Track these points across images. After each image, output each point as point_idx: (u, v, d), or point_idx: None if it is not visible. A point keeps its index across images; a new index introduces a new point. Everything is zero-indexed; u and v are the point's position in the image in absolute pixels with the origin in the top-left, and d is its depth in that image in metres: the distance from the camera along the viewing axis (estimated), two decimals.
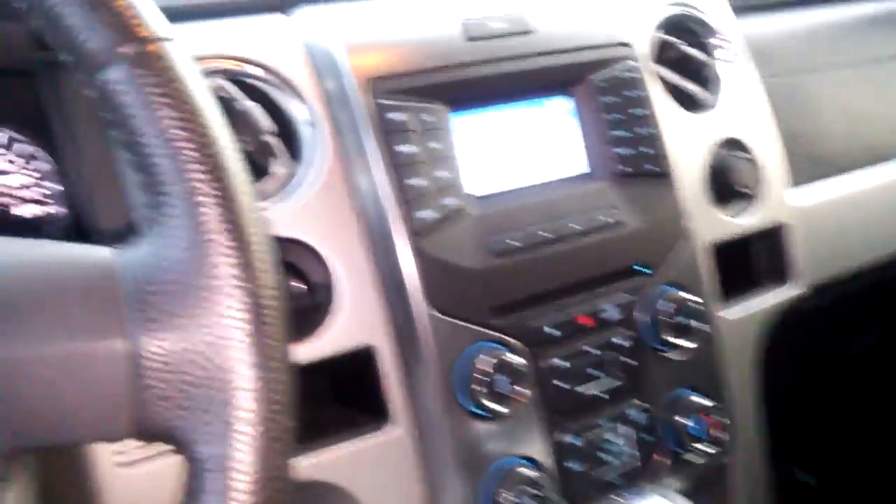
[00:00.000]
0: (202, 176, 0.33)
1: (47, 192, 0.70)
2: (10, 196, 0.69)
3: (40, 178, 0.70)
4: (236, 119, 0.67)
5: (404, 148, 0.67)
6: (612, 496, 0.72)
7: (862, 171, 0.97)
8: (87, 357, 0.31)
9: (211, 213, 0.33)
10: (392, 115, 0.67)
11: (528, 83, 0.74)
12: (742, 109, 0.88)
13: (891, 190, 0.98)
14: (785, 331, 0.88)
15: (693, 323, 0.75)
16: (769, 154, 0.87)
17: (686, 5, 0.89)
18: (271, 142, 0.67)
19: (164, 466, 0.57)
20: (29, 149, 0.71)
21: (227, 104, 0.66)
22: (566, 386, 0.71)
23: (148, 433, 0.33)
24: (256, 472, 0.32)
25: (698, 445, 0.76)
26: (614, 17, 0.81)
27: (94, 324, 0.32)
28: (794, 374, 1.03)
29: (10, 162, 0.70)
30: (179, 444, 0.33)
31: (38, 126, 0.71)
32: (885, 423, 1.11)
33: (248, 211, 0.34)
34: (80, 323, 0.32)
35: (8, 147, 0.71)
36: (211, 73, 0.67)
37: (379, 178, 0.66)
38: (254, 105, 0.67)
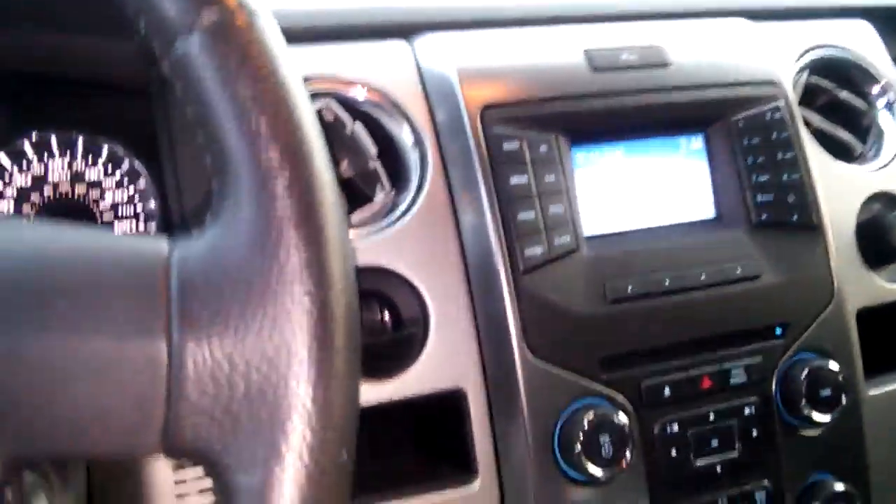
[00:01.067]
0: (278, 164, 0.29)
1: (145, 211, 0.70)
2: (110, 211, 0.69)
3: (140, 196, 0.70)
4: (342, 143, 0.65)
5: (517, 180, 0.62)
6: None
7: None
8: (117, 356, 0.27)
9: (284, 206, 0.29)
10: (506, 145, 0.63)
11: (659, 119, 0.68)
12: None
13: None
14: None
15: (836, 397, 0.65)
16: None
17: (838, 47, 0.81)
18: (376, 168, 0.65)
19: None
20: (132, 166, 0.72)
21: (333, 127, 0.64)
22: (679, 455, 0.63)
23: (178, 451, 0.28)
24: None
25: None
26: (759, 54, 0.73)
27: (132, 319, 0.28)
28: None
29: (113, 177, 0.71)
30: (213, 467, 0.28)
31: (145, 145, 0.72)
32: None
33: (328, 208, 0.30)
34: (115, 317, 0.28)
35: (114, 162, 0.72)
36: (319, 95, 0.65)
37: (487, 210, 0.62)
38: (361, 128, 0.64)
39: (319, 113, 0.65)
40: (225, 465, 0.28)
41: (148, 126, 0.73)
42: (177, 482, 0.54)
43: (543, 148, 0.64)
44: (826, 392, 0.65)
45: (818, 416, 0.65)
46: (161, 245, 0.30)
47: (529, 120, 0.64)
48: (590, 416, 0.59)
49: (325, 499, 0.28)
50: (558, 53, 0.68)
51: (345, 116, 0.65)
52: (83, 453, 0.29)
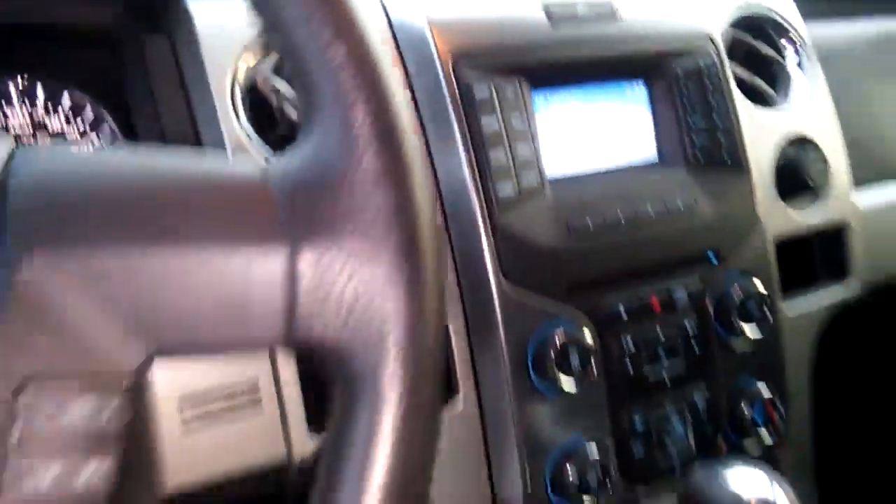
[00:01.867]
0: (360, 86, 0.33)
1: None
2: None
3: (104, 144, 0.71)
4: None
5: (488, 123, 0.68)
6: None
7: None
8: (245, 262, 0.31)
9: (367, 121, 0.32)
10: (477, 92, 0.68)
11: (607, 68, 0.75)
12: (810, 109, 0.88)
13: None
14: (840, 329, 0.88)
15: (761, 312, 0.75)
16: (835, 154, 0.88)
17: (758, 5, 0.90)
18: None
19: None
20: (96, 114, 0.73)
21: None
22: (634, 367, 0.71)
23: (298, 343, 0.33)
24: (409, 392, 0.32)
25: (759, 434, 0.76)
26: (695, 12, 0.81)
27: (254, 229, 0.32)
28: (846, 374, 1.03)
29: (75, 125, 0.72)
30: (329, 357, 0.33)
31: (110, 93, 0.73)
32: None
33: (404, 122, 0.34)
34: (238, 228, 0.32)
35: (76, 111, 0.73)
36: None
37: (461, 151, 0.67)
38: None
39: None
40: (343, 355, 0.32)
41: (111, 73, 0.74)
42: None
43: (510, 94, 0.69)
44: (753, 309, 0.75)
45: (747, 329, 0.75)
46: (256, 162, 0.34)
47: (496, 68, 0.70)
48: (560, 335, 0.66)
49: (424, 377, 0.33)
50: (519, 6, 0.73)
51: None
52: (218, 349, 0.33)
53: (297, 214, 0.32)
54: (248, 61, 0.65)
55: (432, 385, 0.34)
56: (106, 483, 0.30)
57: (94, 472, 0.30)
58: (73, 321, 0.30)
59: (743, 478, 0.58)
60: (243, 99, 0.64)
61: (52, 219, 0.30)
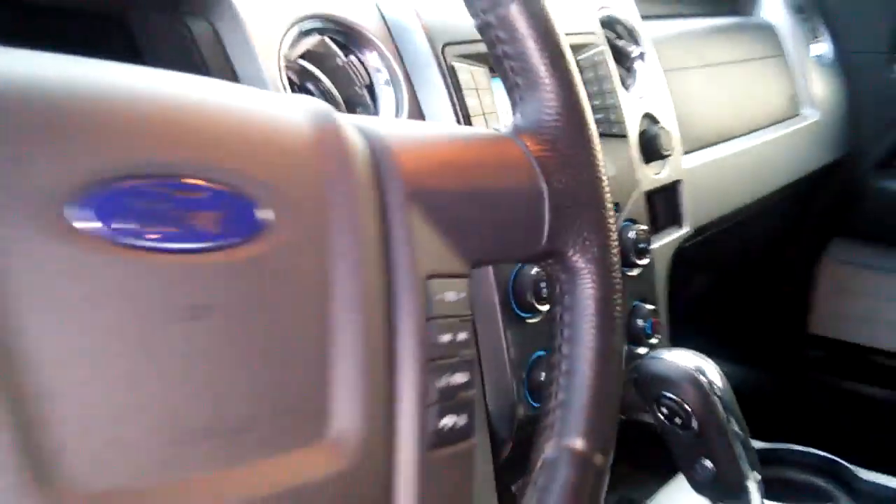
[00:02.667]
0: (558, 73, 0.49)
1: None
2: None
3: None
4: (335, 72, 0.78)
5: (471, 101, 0.83)
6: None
7: (723, 143, 1.30)
8: (521, 195, 0.47)
9: (573, 94, 0.50)
10: (461, 75, 0.83)
11: None
12: (653, 92, 1.14)
13: (743, 156, 1.32)
14: (678, 260, 1.17)
15: (646, 248, 1.00)
16: (671, 127, 1.15)
17: (610, 9, 1.14)
18: (364, 94, 0.80)
19: None
20: None
21: (327, 57, 0.78)
22: None
23: (550, 254, 0.48)
24: (614, 278, 0.49)
25: (649, 341, 1.01)
26: (585, 12, 1.03)
27: (523, 171, 0.47)
28: (686, 290, 1.34)
29: None
30: (561, 257, 0.49)
31: None
32: None
33: (584, 95, 0.52)
34: (514, 171, 0.47)
35: None
36: (312, 31, 0.77)
37: (452, 118, 0.82)
38: (351, 60, 0.79)
39: (316, 47, 0.78)
40: (571, 255, 0.48)
41: (120, 51, 0.77)
42: None
43: (483, 78, 0.85)
44: (642, 245, 0.99)
45: (639, 261, 0.99)
46: (506, 123, 0.50)
47: (470, 55, 0.85)
48: (532, 272, 0.85)
49: (614, 277, 0.50)
50: None
51: (337, 50, 0.78)
52: (507, 259, 0.48)
53: (547, 159, 0.48)
54: (285, 47, 0.74)
55: (618, 279, 0.51)
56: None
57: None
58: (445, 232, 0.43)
59: (679, 356, 0.81)
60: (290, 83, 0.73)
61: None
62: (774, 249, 1.85)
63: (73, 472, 0.29)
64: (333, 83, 0.78)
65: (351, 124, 0.43)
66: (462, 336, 0.43)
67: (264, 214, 0.36)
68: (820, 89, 1.64)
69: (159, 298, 0.32)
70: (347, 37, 0.80)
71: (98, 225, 0.31)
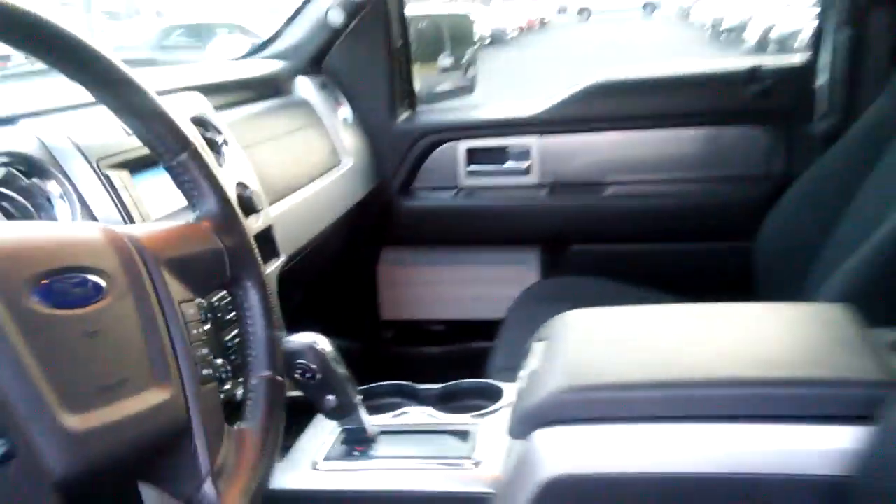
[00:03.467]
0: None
1: None
2: None
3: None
4: (24, 192, 1.08)
5: (125, 195, 1.19)
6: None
7: (295, 193, 1.80)
8: (214, 252, 0.89)
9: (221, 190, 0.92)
10: (115, 180, 1.18)
11: None
12: (240, 165, 1.59)
13: (310, 199, 1.84)
14: (286, 278, 1.63)
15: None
16: (257, 188, 1.61)
17: (195, 108, 1.55)
18: (48, 205, 1.10)
19: None
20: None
21: (15, 182, 1.07)
22: None
23: (232, 282, 0.90)
24: (267, 289, 0.92)
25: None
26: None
27: (210, 240, 0.89)
28: (296, 294, 1.80)
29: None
30: (239, 281, 0.91)
31: None
32: None
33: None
34: (207, 241, 0.88)
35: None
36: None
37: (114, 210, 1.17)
38: (33, 181, 1.09)
39: (6, 176, 1.06)
40: (244, 280, 0.91)
41: None
42: None
43: (128, 178, 1.21)
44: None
45: None
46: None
47: (117, 163, 1.20)
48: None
49: (267, 288, 0.95)
50: None
51: (20, 175, 1.08)
52: (212, 288, 0.88)
53: (217, 230, 0.90)
54: None
55: (268, 289, 0.94)
56: None
57: None
58: None
59: (302, 336, 1.27)
60: None
61: None
62: (348, 259, 2.44)
63: None
64: (25, 199, 1.07)
65: (118, 230, 0.80)
66: (201, 330, 0.83)
67: (103, 283, 0.73)
68: (349, 142, 2.25)
69: (77, 329, 0.68)
70: (26, 164, 1.10)
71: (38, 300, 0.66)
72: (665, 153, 2.26)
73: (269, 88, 2.09)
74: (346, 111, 2.34)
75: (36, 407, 0.64)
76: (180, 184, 0.91)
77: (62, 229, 0.81)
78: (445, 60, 3.23)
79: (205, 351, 0.83)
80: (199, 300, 0.85)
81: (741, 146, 2.19)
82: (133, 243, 0.80)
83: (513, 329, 1.86)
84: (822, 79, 2.08)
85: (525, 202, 2.34)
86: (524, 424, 0.94)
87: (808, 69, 2.12)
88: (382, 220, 2.42)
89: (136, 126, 0.86)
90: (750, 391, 0.89)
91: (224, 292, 1.23)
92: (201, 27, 12.91)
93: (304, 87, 2.21)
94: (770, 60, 2.23)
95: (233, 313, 1.27)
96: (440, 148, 2.39)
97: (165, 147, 0.88)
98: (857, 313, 1.01)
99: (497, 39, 19.70)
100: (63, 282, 0.69)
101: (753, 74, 2.17)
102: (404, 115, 2.46)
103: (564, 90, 2.33)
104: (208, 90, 1.64)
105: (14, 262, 0.67)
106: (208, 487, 0.79)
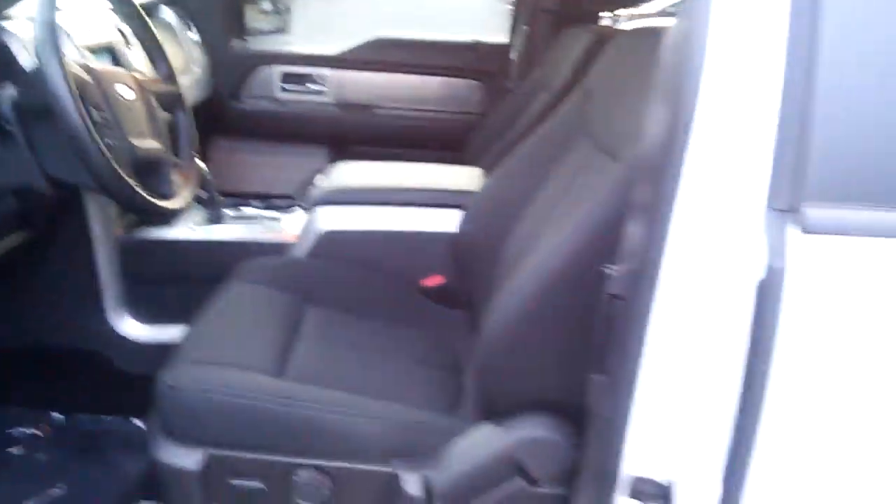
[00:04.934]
0: None
1: None
2: None
3: None
4: None
5: None
6: None
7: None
8: None
9: None
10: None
11: None
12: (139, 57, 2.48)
13: None
14: None
15: None
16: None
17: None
18: None
19: None
20: None
21: None
22: None
23: None
24: None
25: None
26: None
27: None
28: None
29: None
30: None
31: None
32: None
33: None
34: None
35: None
36: None
37: None
38: None
39: None
40: None
41: None
42: None
43: None
44: None
45: None
46: None
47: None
48: None
49: None
50: None
51: None
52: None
53: None
54: None
55: None
56: None
57: None
58: None
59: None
60: None
61: None
62: None
63: None
64: None
65: None
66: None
67: None
68: (197, 57, 3.16)
69: None
70: None
71: None
72: (415, 91, 3.41)
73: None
74: (194, 35, 3.23)
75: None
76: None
77: None
78: (265, 4, 4.21)
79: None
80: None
81: (462, 92, 3.40)
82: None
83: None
84: (513, 54, 3.32)
85: (320, 114, 3.39)
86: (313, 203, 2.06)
87: (507, 47, 3.36)
88: (216, 116, 3.36)
89: None
90: None
91: None
92: None
93: (167, 13, 3.08)
94: (487, 38, 3.43)
95: None
96: (261, 68, 3.38)
97: None
98: None
99: None
100: None
101: (475, 46, 3.38)
102: (236, 41, 3.39)
103: (354, 39, 3.40)
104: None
105: None
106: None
